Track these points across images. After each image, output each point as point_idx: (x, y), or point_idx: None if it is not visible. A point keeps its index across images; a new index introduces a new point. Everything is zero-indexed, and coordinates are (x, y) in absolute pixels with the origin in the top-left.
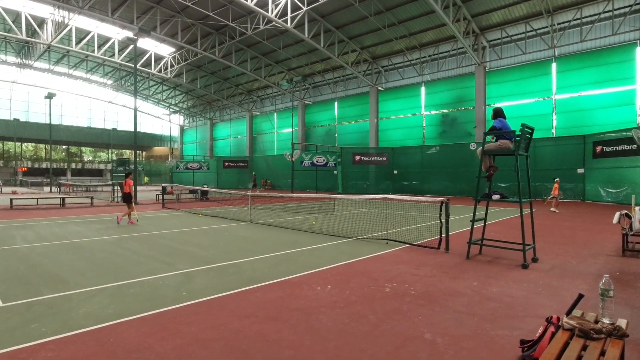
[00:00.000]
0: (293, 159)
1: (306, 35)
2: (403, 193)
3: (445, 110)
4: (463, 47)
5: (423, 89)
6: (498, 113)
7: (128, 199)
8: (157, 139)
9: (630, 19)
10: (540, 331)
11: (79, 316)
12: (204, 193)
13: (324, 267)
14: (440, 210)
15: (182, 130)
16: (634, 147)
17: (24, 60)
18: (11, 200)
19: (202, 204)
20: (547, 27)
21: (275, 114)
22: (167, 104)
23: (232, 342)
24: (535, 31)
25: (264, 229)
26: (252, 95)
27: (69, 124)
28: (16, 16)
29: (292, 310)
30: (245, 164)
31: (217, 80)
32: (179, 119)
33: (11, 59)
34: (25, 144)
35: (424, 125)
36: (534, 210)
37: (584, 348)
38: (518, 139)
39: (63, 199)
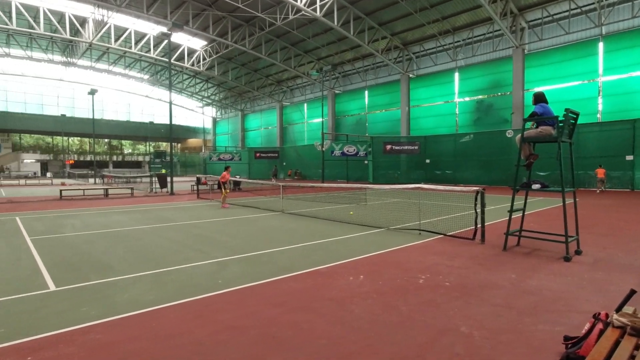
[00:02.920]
0: (323, 149)
1: (335, 23)
2: (435, 182)
3: (480, 97)
4: (500, 30)
5: (456, 74)
6: (539, 98)
7: (220, 185)
8: (191, 131)
9: None
10: (586, 328)
11: (123, 301)
12: (237, 183)
13: (355, 257)
14: (476, 200)
15: (215, 122)
16: None
17: (69, 58)
18: (60, 191)
19: (234, 195)
20: (593, 3)
21: (305, 104)
22: (200, 97)
23: (265, 330)
24: (580, 9)
25: (295, 218)
26: (282, 85)
27: (109, 118)
28: (60, 17)
29: (324, 300)
30: (276, 154)
31: (247, 72)
32: (211, 111)
33: (57, 57)
34: (72, 138)
35: (457, 112)
36: (577, 200)
37: (637, 347)
38: (561, 124)
39: (106, 190)
